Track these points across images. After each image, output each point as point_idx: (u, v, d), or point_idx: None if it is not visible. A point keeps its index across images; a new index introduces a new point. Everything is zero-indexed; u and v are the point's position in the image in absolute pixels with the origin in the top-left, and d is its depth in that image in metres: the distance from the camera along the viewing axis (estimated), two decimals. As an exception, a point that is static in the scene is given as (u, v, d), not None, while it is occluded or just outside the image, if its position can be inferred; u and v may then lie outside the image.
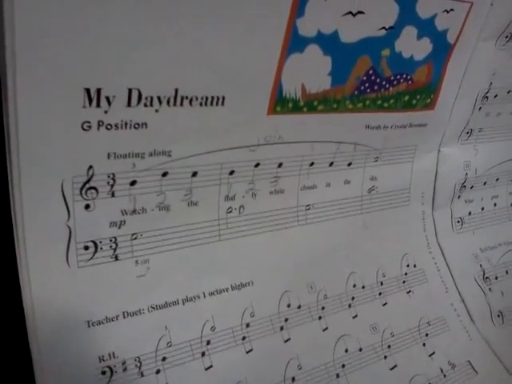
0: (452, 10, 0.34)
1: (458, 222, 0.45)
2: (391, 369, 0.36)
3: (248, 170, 0.32)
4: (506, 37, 0.39)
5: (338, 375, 0.33)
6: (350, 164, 0.37)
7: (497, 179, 0.47)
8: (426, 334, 0.38)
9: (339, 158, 0.36)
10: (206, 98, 0.28)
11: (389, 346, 0.36)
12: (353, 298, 0.37)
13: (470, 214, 0.46)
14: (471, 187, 0.45)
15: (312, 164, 0.35)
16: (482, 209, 0.47)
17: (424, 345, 0.38)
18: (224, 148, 0.30)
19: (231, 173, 0.31)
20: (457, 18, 0.35)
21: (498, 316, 0.42)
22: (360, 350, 0.35)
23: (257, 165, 0.32)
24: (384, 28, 0.32)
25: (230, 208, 0.32)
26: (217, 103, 0.28)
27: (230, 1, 0.25)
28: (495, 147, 0.45)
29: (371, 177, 0.39)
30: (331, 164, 0.36)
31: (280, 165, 0.33)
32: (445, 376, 0.37)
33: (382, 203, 0.40)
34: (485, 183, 0.46)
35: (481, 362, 0.39)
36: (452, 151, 0.43)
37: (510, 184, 0.49)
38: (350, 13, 0.30)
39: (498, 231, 0.47)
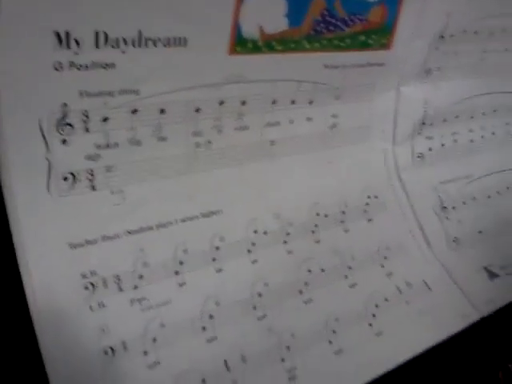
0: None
1: (419, 157, 0.48)
2: (351, 286, 0.39)
3: (213, 107, 0.35)
4: (459, -21, 0.41)
5: (301, 291, 0.37)
6: (311, 102, 0.40)
7: (456, 116, 0.50)
8: (385, 257, 0.42)
9: (300, 96, 0.39)
10: (169, 39, 0.30)
11: (349, 267, 0.40)
12: (316, 226, 0.40)
13: (430, 149, 0.49)
14: (431, 124, 0.48)
15: (274, 102, 0.38)
16: (443, 145, 0.50)
17: (382, 266, 0.42)
18: (189, 87, 0.33)
19: (197, 110, 0.34)
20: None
21: (454, 241, 0.46)
22: (322, 270, 0.39)
23: (221, 102, 0.35)
24: (336, -31, 0.34)
25: (197, 143, 0.35)
26: (179, 44, 0.31)
27: None
28: (454, 86, 0.48)
29: (332, 114, 0.41)
30: (293, 102, 0.39)
31: (243, 102, 0.36)
32: (401, 293, 0.41)
33: (344, 139, 0.43)
34: (444, 120, 0.49)
35: (435, 281, 0.43)
36: (411, 90, 0.45)
37: (470, 121, 0.52)
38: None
39: (457, 166, 0.50)
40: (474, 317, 0.41)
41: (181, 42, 0.31)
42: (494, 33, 0.48)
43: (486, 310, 0.41)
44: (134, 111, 0.31)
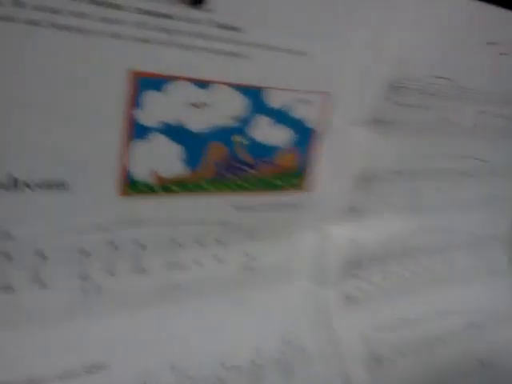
0: (307, 100, 0.36)
1: (347, 298, 0.45)
2: None
3: (104, 250, 0.33)
4: (376, 121, 0.41)
5: None
6: (220, 242, 0.38)
7: (386, 255, 0.48)
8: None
9: (207, 237, 0.37)
10: (46, 183, 0.29)
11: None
12: (220, 380, 0.36)
13: (359, 290, 0.46)
14: (359, 263, 0.46)
15: (177, 243, 0.36)
16: (373, 285, 0.47)
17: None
18: (72, 229, 0.31)
19: (84, 253, 0.32)
20: (315, 107, 0.37)
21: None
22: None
23: (113, 245, 0.33)
24: (233, 118, 0.34)
25: (84, 288, 0.33)
26: (59, 187, 0.30)
27: (64, 96, 0.27)
28: (383, 223, 0.47)
29: (245, 254, 0.39)
30: (199, 243, 0.37)
31: (140, 245, 0.34)
32: None
33: (260, 280, 0.40)
34: (374, 259, 0.47)
35: None
36: (334, 228, 0.44)
37: (403, 259, 0.50)
38: (194, 105, 0.32)
39: (390, 308, 0.48)
40: None
41: (60, 185, 0.30)
42: (420, 173, 0.47)
43: None
44: (7, 255, 0.29)
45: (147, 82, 0.30)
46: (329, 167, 0.41)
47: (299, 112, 0.37)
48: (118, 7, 0.27)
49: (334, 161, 0.41)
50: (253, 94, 0.34)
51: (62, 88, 0.27)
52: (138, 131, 0.31)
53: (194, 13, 0.29)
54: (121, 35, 0.27)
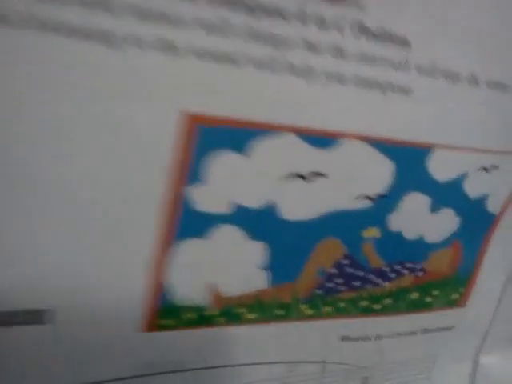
0: (494, 166, 0.20)
1: None
2: None
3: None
4: None
5: None
6: (317, 390, 0.23)
7: None
8: None
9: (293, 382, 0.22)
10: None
11: None
12: None
13: None
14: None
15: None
16: None
17: None
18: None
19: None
20: (503, 178, 0.21)
21: None
22: None
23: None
24: (368, 197, 0.18)
25: None
26: (37, 319, 0.16)
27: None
28: None
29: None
30: (281, 392, 0.22)
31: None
32: None
33: None
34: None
35: None
36: (498, 361, 0.28)
37: None
38: (299, 176, 0.17)
39: None
40: None
41: (40, 316, 0.16)
42: None
43: None
44: None
45: (215, 134, 0.15)
46: (501, 270, 0.25)
47: (478, 187, 0.21)
48: None
49: (504, 258, 0.25)
50: (409, 156, 0.18)
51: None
52: (189, 222, 0.16)
53: (327, 9, 0.14)
54: (175, 45, 0.13)
